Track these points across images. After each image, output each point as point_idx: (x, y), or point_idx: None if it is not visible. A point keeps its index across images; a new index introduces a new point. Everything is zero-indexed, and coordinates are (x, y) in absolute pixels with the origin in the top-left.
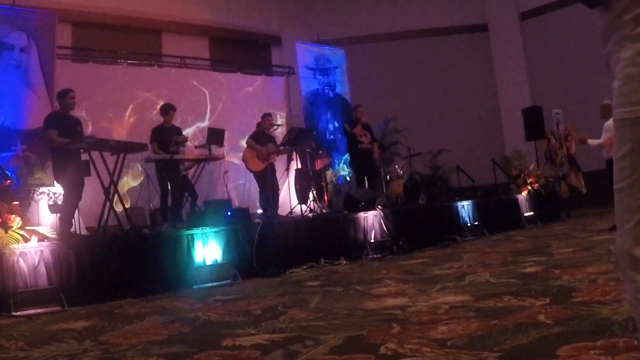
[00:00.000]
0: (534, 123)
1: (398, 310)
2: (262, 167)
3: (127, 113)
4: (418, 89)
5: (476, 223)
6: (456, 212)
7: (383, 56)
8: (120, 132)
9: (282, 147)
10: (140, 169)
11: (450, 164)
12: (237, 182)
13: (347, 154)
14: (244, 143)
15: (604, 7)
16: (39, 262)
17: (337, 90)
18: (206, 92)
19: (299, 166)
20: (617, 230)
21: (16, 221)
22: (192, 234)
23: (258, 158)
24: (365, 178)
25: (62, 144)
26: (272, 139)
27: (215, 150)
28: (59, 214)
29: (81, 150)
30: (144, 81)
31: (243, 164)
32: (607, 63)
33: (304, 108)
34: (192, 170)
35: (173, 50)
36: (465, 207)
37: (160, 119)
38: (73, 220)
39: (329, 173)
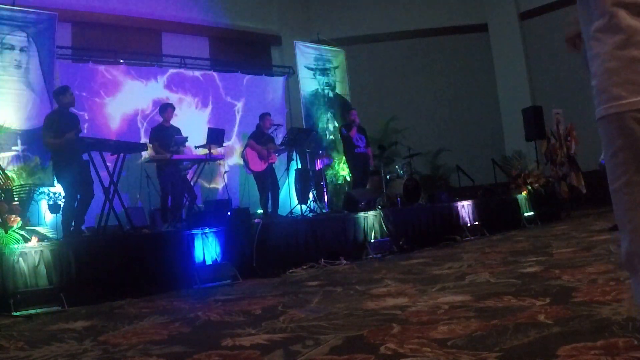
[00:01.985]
0: (534, 123)
1: (398, 310)
2: (263, 167)
3: (127, 113)
4: (418, 89)
5: (476, 223)
6: (456, 212)
7: (383, 56)
8: (120, 132)
9: (282, 147)
10: (140, 169)
11: (450, 164)
12: (237, 182)
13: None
14: (243, 143)
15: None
16: (39, 262)
17: (337, 90)
18: (206, 92)
19: (299, 166)
20: (620, 232)
21: (16, 221)
22: (192, 234)
23: (259, 158)
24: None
25: (57, 145)
26: (272, 139)
27: (215, 150)
28: (61, 215)
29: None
30: (144, 81)
31: (243, 164)
32: (584, 61)
33: (304, 108)
34: (192, 170)
35: (173, 50)
36: (465, 207)
37: (160, 119)
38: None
39: (329, 173)
